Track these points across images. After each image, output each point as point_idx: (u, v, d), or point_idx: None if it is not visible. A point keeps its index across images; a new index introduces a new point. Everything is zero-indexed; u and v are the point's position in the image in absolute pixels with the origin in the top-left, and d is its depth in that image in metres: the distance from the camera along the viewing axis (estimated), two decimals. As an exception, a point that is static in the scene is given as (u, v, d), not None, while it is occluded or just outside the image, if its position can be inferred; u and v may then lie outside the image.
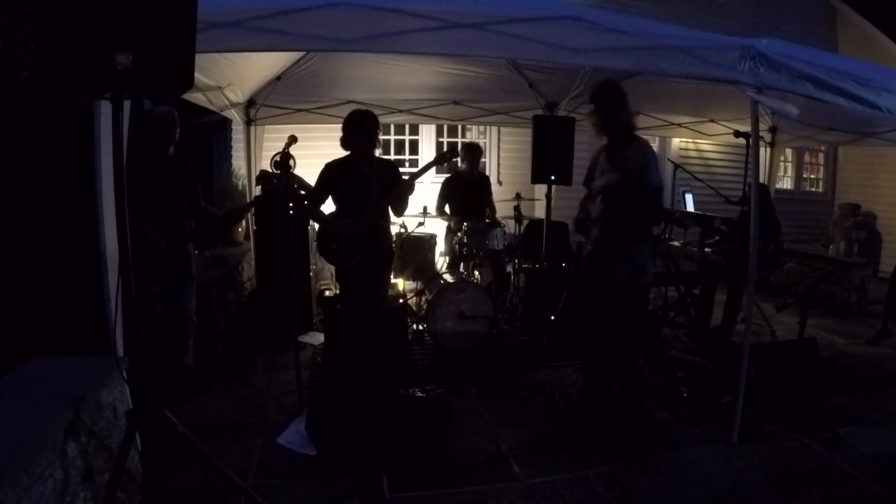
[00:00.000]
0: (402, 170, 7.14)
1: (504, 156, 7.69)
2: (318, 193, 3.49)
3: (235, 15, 2.41)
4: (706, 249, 5.11)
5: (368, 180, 3.40)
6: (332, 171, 3.44)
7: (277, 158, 3.47)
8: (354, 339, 3.49)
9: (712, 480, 2.72)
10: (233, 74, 4.43)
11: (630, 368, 2.92)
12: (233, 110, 5.20)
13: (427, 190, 5.95)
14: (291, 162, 3.48)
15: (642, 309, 3.13)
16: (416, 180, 3.46)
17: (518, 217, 5.12)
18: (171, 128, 3.31)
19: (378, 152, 3.57)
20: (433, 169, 3.62)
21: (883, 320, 4.98)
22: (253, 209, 5.29)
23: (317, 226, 3.95)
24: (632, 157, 2.86)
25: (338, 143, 3.43)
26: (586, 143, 7.24)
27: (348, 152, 3.46)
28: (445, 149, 7.52)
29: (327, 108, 5.70)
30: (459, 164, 5.71)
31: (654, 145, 8.56)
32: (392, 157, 7.51)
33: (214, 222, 3.65)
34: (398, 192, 3.47)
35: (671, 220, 4.99)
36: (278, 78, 4.93)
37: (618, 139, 2.95)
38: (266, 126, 5.86)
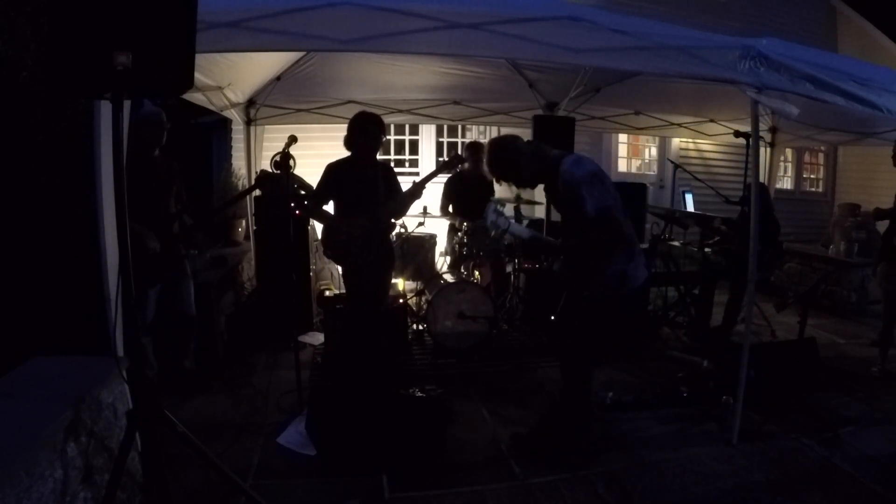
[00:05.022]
0: (402, 170, 7.24)
1: (504, 156, 7.67)
2: (323, 194, 3.48)
3: (235, 15, 2.41)
4: (706, 249, 5.11)
5: (374, 182, 3.42)
6: (336, 172, 3.44)
7: (277, 158, 3.47)
8: (362, 339, 3.50)
9: (712, 480, 2.72)
10: (233, 74, 4.43)
11: (578, 383, 2.84)
12: (233, 110, 5.20)
13: (428, 190, 5.95)
14: (291, 162, 3.48)
15: (609, 322, 2.82)
16: (424, 187, 3.49)
17: (518, 217, 5.12)
18: (152, 129, 3.23)
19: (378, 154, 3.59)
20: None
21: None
22: (252, 211, 5.31)
23: (318, 226, 3.94)
24: (561, 188, 2.64)
25: (337, 142, 3.44)
26: (586, 143, 7.28)
27: (350, 152, 3.47)
28: (446, 149, 7.53)
29: (327, 108, 5.70)
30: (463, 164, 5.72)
31: (654, 145, 8.58)
32: (392, 157, 7.51)
33: (188, 230, 3.60)
34: (406, 196, 3.51)
35: (671, 220, 5.00)
36: (278, 78, 4.93)
37: (544, 178, 2.77)
38: (266, 126, 5.86)
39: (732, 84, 2.90)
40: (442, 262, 5.61)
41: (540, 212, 5.99)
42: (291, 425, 3.09)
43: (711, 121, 6.41)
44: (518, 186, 2.80)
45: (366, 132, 3.40)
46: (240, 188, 6.44)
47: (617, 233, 2.56)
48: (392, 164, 7.39)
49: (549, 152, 2.74)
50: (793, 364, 3.57)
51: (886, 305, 4.32)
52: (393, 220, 3.63)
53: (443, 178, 5.77)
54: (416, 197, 3.52)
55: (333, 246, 3.47)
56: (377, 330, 3.64)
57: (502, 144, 2.77)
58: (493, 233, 2.75)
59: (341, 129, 3.53)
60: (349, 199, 3.42)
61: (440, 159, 7.42)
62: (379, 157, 3.57)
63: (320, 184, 3.49)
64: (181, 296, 3.47)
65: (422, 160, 7.51)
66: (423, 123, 7.14)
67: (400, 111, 6.10)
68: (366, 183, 3.41)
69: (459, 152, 6.77)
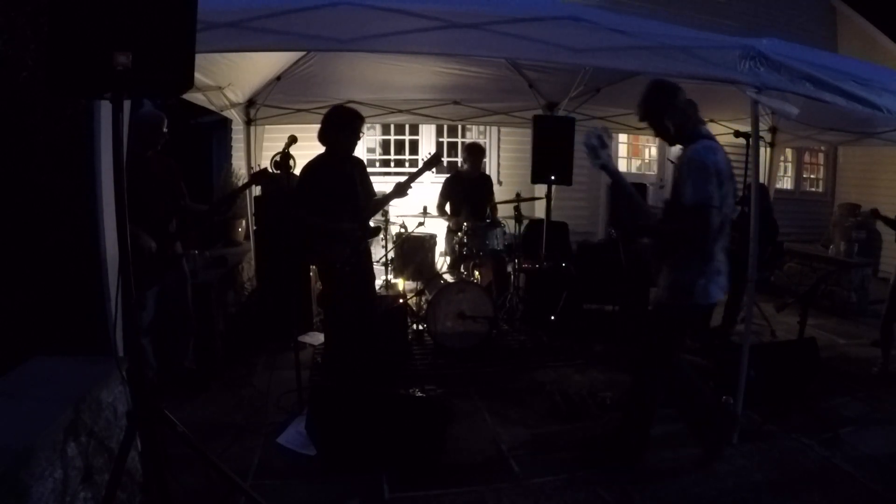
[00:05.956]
0: (402, 170, 7.23)
1: (504, 156, 7.70)
2: (308, 196, 3.39)
3: (235, 15, 2.41)
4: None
5: (353, 180, 3.41)
6: (316, 172, 3.40)
7: (277, 158, 3.47)
8: (359, 339, 3.50)
9: (712, 480, 2.72)
10: (233, 74, 4.43)
11: (644, 384, 2.76)
12: (233, 110, 5.20)
13: (427, 190, 5.96)
14: (291, 162, 3.48)
15: (680, 332, 2.72)
16: (409, 186, 3.48)
17: (518, 217, 5.12)
18: (147, 131, 3.21)
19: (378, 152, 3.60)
20: (434, 169, 3.65)
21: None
22: (253, 211, 5.31)
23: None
24: (681, 163, 2.53)
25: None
26: (586, 143, 7.27)
27: (325, 148, 3.42)
28: (446, 149, 7.53)
29: (327, 108, 5.66)
30: (461, 165, 5.72)
31: (654, 145, 8.58)
32: (392, 157, 7.51)
33: (200, 218, 3.60)
34: (387, 196, 3.50)
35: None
36: (278, 78, 4.93)
37: (681, 141, 2.64)
38: (266, 126, 5.86)
39: (732, 84, 2.90)
40: (442, 262, 5.61)
41: (540, 211, 5.99)
42: (291, 425, 3.09)
43: (711, 121, 6.39)
44: (655, 133, 2.68)
45: (347, 128, 3.36)
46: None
47: (702, 237, 2.42)
48: (392, 164, 7.42)
49: (696, 125, 2.62)
50: (793, 364, 3.57)
51: (892, 298, 4.26)
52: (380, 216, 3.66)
53: (440, 178, 5.79)
54: (400, 196, 3.51)
55: (322, 251, 3.43)
56: (375, 331, 3.65)
57: (662, 87, 2.62)
58: (587, 154, 2.57)
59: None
60: (332, 199, 3.37)
61: (425, 154, 7.42)
62: (379, 156, 3.59)
63: (304, 186, 3.41)
64: (179, 296, 3.47)
65: (422, 160, 7.51)
66: (423, 123, 7.14)
67: (400, 111, 6.10)
68: (346, 182, 3.39)
69: (460, 153, 6.79)
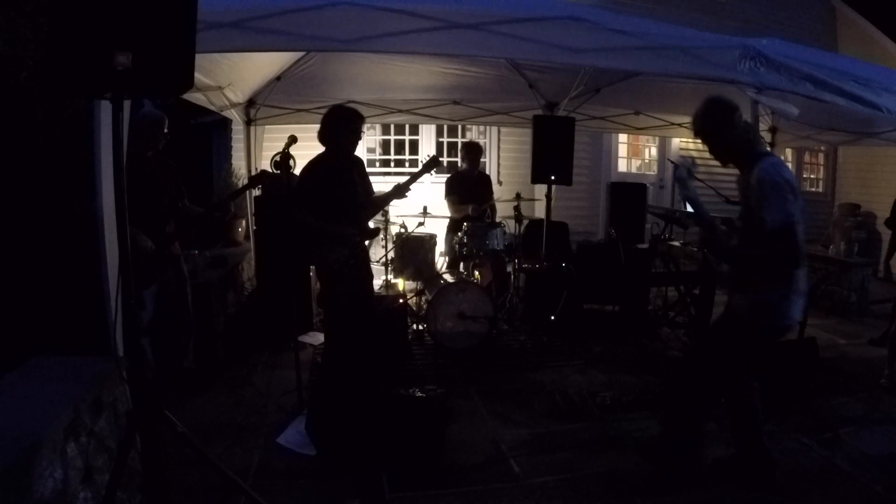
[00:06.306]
0: (402, 170, 7.23)
1: (504, 156, 7.70)
2: (308, 197, 3.36)
3: (235, 15, 2.41)
4: (706, 249, 5.10)
5: (353, 180, 3.40)
6: (316, 172, 3.39)
7: (277, 158, 3.46)
8: (359, 339, 3.50)
9: (713, 481, 2.72)
10: (233, 74, 4.43)
11: (739, 395, 2.65)
12: (233, 110, 5.20)
13: (427, 190, 5.96)
14: (291, 162, 3.48)
15: (754, 350, 2.59)
16: (408, 188, 3.48)
17: (518, 217, 5.12)
18: (148, 131, 3.21)
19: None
20: (433, 171, 3.65)
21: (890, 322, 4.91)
22: (253, 211, 5.31)
23: None
24: (751, 185, 2.40)
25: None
26: (586, 143, 7.28)
27: (325, 148, 3.41)
28: (446, 149, 7.53)
29: (327, 108, 5.67)
30: (460, 164, 5.72)
31: (654, 145, 8.58)
32: (392, 157, 7.52)
33: (197, 220, 3.60)
34: (385, 197, 3.49)
35: (671, 220, 5.00)
36: (278, 78, 4.93)
37: (738, 163, 2.53)
38: (266, 126, 5.86)
39: (732, 84, 2.90)
40: (442, 262, 5.61)
41: (540, 211, 5.99)
42: (291, 425, 3.09)
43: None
44: (709, 151, 2.57)
45: (347, 127, 3.35)
46: (239, 188, 6.44)
47: (792, 256, 2.34)
48: (392, 164, 7.42)
49: (756, 144, 2.52)
50: (793, 364, 3.57)
51: None
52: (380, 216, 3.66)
53: (441, 179, 5.79)
54: (398, 197, 3.51)
55: (321, 252, 3.43)
56: (375, 331, 3.65)
57: (720, 106, 2.50)
58: (675, 186, 2.55)
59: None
60: (331, 199, 3.36)
61: (424, 154, 7.41)
62: (379, 156, 3.59)
63: (304, 186, 3.39)
64: (179, 296, 3.47)
65: (422, 160, 7.51)
66: (423, 123, 7.15)
67: (400, 111, 6.10)
68: (345, 182, 3.38)
69: (459, 152, 6.78)
